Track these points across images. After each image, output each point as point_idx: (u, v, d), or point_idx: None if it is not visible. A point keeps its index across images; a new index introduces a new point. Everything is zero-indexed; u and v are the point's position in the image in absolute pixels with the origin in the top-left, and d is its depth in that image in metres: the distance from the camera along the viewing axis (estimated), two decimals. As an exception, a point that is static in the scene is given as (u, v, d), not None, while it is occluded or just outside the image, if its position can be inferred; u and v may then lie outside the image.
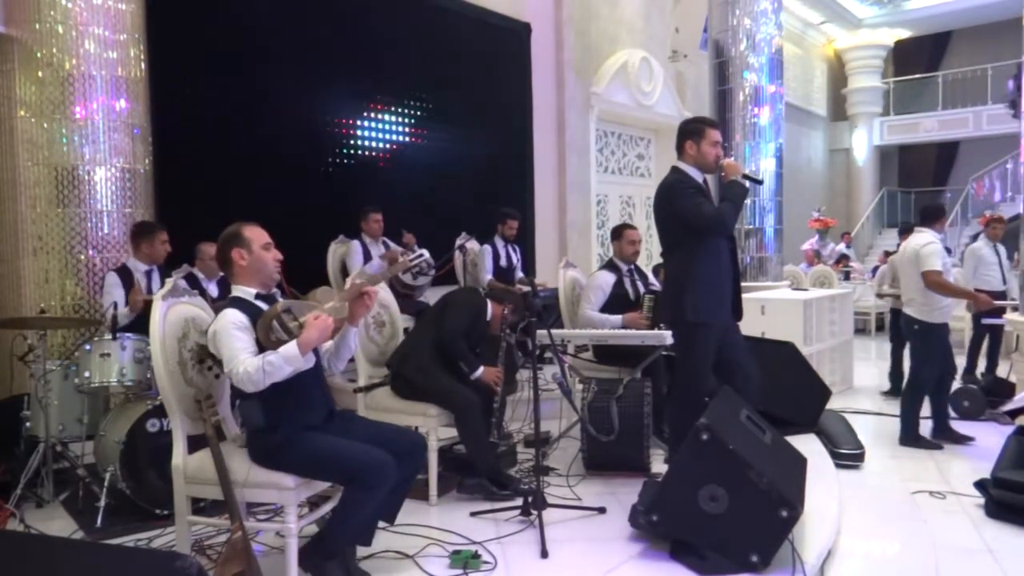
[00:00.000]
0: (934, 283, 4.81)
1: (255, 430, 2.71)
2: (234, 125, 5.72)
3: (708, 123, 3.76)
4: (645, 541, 3.15)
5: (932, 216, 5.18)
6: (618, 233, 4.91)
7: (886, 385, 6.74)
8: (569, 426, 4.60)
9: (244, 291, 2.79)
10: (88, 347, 3.74)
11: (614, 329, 4.54)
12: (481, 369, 3.86)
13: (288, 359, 2.56)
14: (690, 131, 3.71)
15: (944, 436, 5.10)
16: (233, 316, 2.65)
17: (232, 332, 2.62)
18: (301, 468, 2.66)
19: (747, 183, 3.67)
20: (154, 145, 5.04)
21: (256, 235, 2.81)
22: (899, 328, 6.39)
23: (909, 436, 5.04)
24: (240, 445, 2.82)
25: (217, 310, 2.89)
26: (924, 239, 4.99)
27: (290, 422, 2.69)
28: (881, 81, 17.81)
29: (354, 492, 2.65)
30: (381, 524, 2.99)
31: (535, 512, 3.29)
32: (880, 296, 8.12)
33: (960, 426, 5.41)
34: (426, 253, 3.37)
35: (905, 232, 6.80)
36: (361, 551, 2.97)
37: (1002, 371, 6.54)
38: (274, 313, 2.64)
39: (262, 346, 2.63)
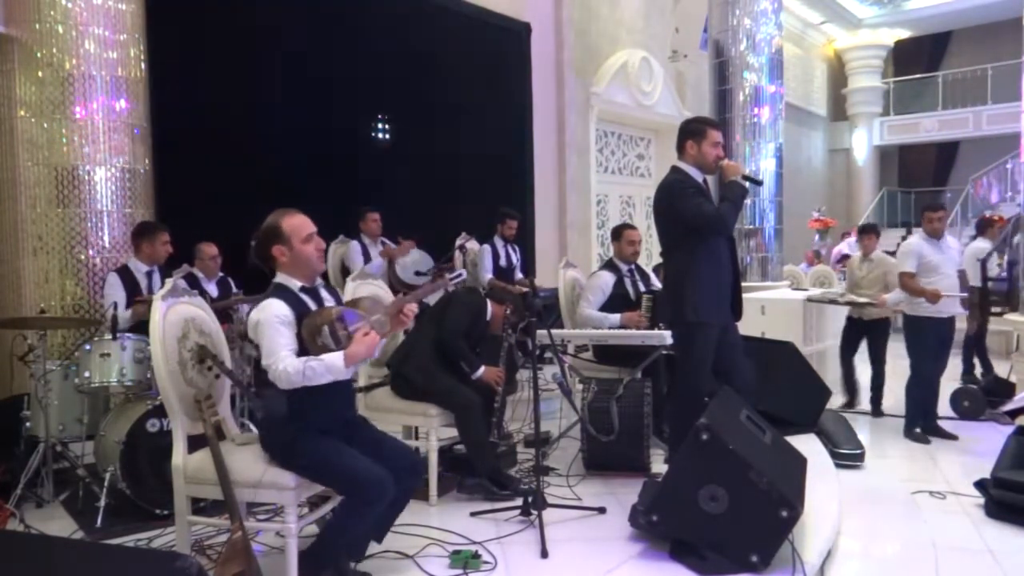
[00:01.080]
0: (902, 284, 5.16)
1: (274, 419, 2.70)
2: (234, 125, 5.72)
3: (709, 123, 3.75)
4: (645, 541, 3.15)
5: (921, 214, 5.32)
6: (618, 233, 4.92)
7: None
8: (569, 426, 4.60)
9: (289, 281, 2.74)
10: (88, 347, 3.74)
11: (612, 328, 4.55)
12: (482, 369, 3.85)
13: (330, 369, 2.56)
14: (691, 131, 3.71)
15: (931, 433, 5.17)
16: (278, 309, 2.62)
17: (276, 326, 2.59)
18: (305, 469, 2.65)
19: (747, 184, 3.67)
20: (154, 145, 5.04)
21: (296, 228, 2.72)
22: (848, 338, 6.10)
23: (907, 429, 5.17)
24: (239, 444, 2.82)
25: (220, 308, 2.88)
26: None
27: (307, 421, 2.67)
28: (881, 81, 17.82)
29: (352, 504, 2.64)
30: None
31: (535, 512, 3.29)
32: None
33: (960, 426, 5.42)
34: (464, 273, 3.38)
35: (863, 233, 6.32)
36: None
37: (1001, 371, 6.54)
38: (328, 319, 2.62)
39: (302, 342, 2.62)
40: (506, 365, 4.03)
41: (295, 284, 2.74)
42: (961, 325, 6.89)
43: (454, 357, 3.84)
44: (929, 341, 5.07)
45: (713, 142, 3.67)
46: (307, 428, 2.67)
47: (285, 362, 2.55)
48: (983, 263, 4.85)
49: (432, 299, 4.28)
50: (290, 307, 2.65)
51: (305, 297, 2.74)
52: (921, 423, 5.20)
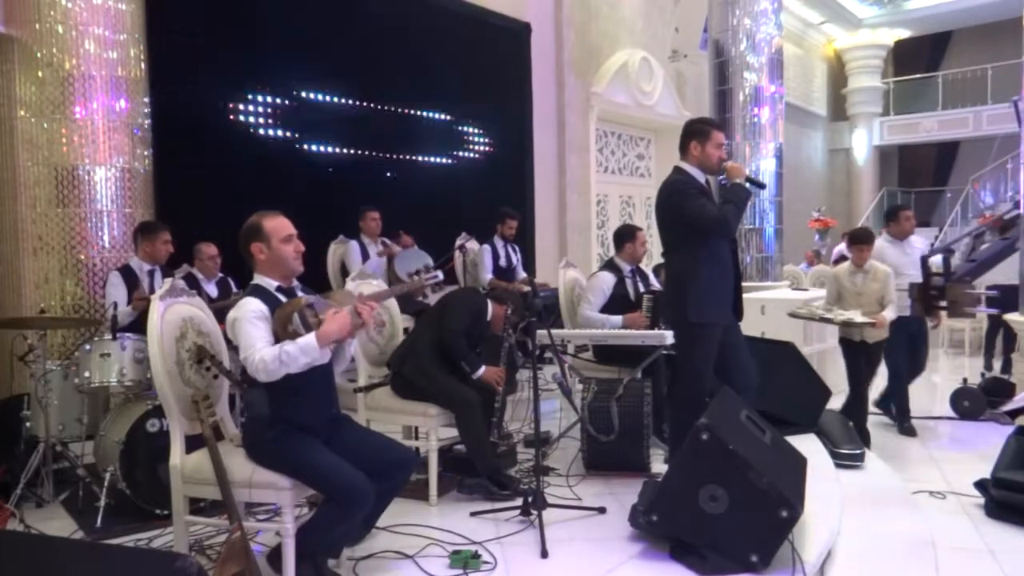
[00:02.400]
0: None
1: (255, 419, 2.72)
2: (233, 125, 5.72)
3: (713, 124, 3.75)
4: (645, 541, 3.15)
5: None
6: (632, 235, 4.84)
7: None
8: (569, 426, 4.60)
9: (266, 282, 2.78)
10: (88, 347, 3.74)
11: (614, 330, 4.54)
12: (483, 369, 3.85)
13: (305, 350, 2.57)
14: (695, 132, 3.70)
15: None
16: (253, 305, 2.66)
17: (251, 320, 2.62)
18: (282, 470, 2.66)
19: (749, 186, 3.66)
20: (154, 145, 5.04)
21: (276, 228, 2.76)
22: (852, 363, 5.22)
23: (899, 425, 5.38)
24: (237, 444, 2.82)
25: (220, 308, 2.88)
26: None
27: (288, 420, 2.68)
28: (881, 81, 17.81)
29: (331, 508, 2.65)
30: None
31: (535, 512, 3.29)
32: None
33: (960, 426, 5.44)
34: (440, 275, 3.32)
35: (859, 241, 5.42)
36: (361, 550, 2.99)
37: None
38: (297, 306, 2.65)
39: (279, 338, 2.63)
40: (506, 365, 4.03)
41: (271, 284, 2.77)
42: (959, 325, 6.91)
43: (455, 357, 3.84)
44: (897, 339, 5.17)
45: (717, 143, 3.66)
46: (289, 429, 2.68)
47: (261, 352, 2.57)
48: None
49: (433, 299, 4.28)
50: (266, 304, 2.68)
51: (281, 296, 2.77)
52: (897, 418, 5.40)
